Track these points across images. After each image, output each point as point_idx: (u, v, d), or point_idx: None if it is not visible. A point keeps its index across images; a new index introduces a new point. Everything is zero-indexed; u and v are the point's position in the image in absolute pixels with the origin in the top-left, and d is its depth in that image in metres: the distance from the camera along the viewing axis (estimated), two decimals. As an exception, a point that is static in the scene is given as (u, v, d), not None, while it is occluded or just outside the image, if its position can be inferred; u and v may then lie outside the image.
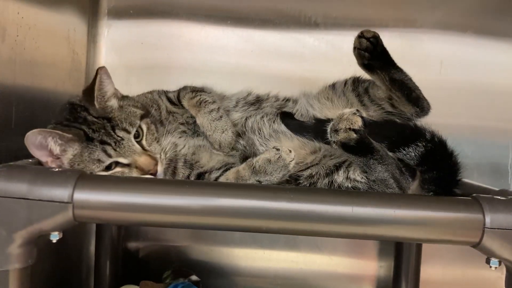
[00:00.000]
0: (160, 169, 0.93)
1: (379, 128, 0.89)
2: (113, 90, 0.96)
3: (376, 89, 1.04)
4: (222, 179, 0.93)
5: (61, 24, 1.21)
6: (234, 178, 0.90)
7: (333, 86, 1.10)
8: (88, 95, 0.93)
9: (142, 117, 0.96)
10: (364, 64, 0.99)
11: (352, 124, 0.79)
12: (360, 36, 0.97)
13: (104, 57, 1.41)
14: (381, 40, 0.97)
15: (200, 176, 0.99)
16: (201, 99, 1.03)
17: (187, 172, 1.00)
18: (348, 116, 0.80)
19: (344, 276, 1.46)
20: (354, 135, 0.79)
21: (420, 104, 1.00)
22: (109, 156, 0.89)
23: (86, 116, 0.91)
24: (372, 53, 0.97)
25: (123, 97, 0.99)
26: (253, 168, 0.88)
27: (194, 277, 1.32)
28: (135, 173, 0.91)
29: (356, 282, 1.47)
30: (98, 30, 1.40)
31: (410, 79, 1.01)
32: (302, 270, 1.45)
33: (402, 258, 1.33)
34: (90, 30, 1.38)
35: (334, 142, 0.82)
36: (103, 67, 0.93)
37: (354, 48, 0.98)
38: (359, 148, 0.82)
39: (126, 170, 0.91)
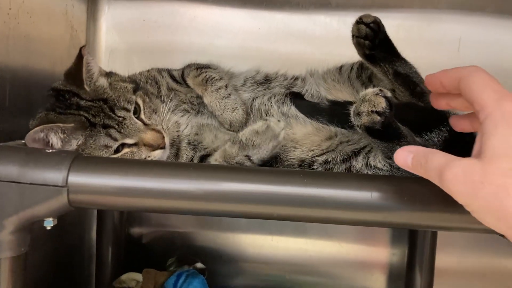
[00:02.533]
0: (167, 140, 0.89)
1: (399, 111, 0.81)
2: (98, 68, 0.90)
3: (379, 79, 0.96)
4: (211, 161, 0.88)
5: (58, -2, 1.15)
6: (221, 157, 0.85)
7: (340, 69, 1.03)
8: (74, 79, 0.86)
9: (134, 91, 0.90)
10: (366, 54, 0.89)
11: (374, 106, 0.72)
12: (359, 22, 0.86)
13: (105, 35, 1.35)
14: (383, 26, 0.87)
15: (202, 159, 0.94)
16: (207, 76, 0.97)
17: (190, 154, 0.94)
18: (370, 97, 0.73)
19: (354, 263, 1.42)
20: (378, 118, 0.72)
21: (424, 99, 0.92)
22: (115, 139, 0.84)
23: (78, 101, 0.85)
24: (373, 41, 0.86)
25: (107, 74, 0.93)
26: (240, 142, 0.83)
27: (199, 265, 1.29)
28: (144, 151, 0.86)
29: (367, 270, 1.42)
30: (98, 7, 1.34)
31: (415, 72, 0.92)
32: (311, 257, 1.41)
33: (417, 245, 1.28)
34: (89, 6, 1.32)
35: (358, 126, 0.76)
36: (85, 45, 0.87)
37: (353, 36, 0.88)
38: (386, 132, 0.75)
39: (134, 149, 0.86)
